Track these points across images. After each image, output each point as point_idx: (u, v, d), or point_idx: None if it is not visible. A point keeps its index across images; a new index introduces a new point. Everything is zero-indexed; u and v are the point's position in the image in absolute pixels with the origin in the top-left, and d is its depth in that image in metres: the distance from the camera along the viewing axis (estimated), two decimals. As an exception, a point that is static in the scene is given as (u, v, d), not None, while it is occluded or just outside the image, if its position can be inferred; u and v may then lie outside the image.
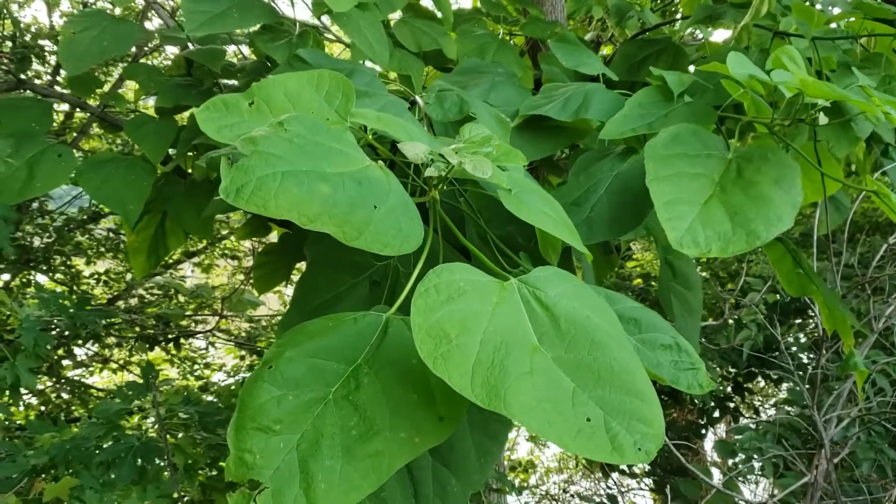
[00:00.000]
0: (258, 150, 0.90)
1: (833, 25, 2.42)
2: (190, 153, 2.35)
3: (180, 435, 3.07)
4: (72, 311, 2.98)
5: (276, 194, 0.86)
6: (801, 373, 3.98)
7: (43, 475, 2.76)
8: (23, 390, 3.17)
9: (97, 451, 2.68)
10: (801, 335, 5.37)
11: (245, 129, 1.13)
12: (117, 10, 2.17)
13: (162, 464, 2.76)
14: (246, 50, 2.68)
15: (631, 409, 0.81)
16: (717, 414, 5.72)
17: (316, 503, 0.81)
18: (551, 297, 0.92)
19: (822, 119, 1.44)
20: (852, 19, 2.33)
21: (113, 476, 2.57)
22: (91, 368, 5.54)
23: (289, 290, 6.28)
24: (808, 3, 2.32)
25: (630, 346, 0.91)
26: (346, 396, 0.89)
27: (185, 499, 2.96)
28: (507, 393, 0.79)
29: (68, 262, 5.26)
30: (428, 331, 0.83)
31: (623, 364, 0.85)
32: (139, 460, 2.63)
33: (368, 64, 2.09)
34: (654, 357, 1.16)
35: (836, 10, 2.29)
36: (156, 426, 2.94)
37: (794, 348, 5.04)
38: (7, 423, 3.84)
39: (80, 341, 4.72)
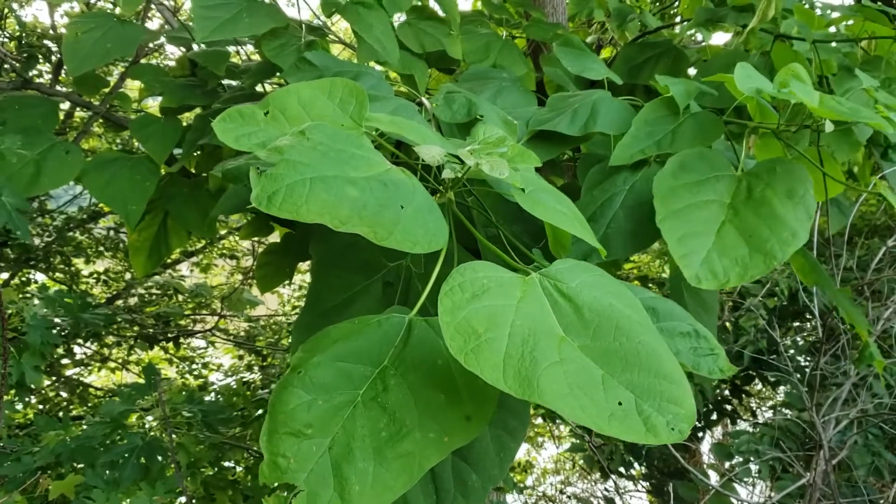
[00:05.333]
0: (285, 159, 0.92)
1: (833, 28, 2.44)
2: (195, 153, 2.35)
3: (183, 433, 3.07)
4: (76, 312, 2.98)
5: (306, 200, 0.88)
6: (799, 375, 4.00)
7: (48, 472, 2.76)
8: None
9: (102, 450, 2.68)
10: (799, 338, 5.39)
11: (262, 137, 1.16)
12: (118, 10, 2.17)
13: (166, 462, 2.76)
14: (250, 49, 2.69)
15: (661, 390, 0.83)
16: (714, 416, 5.73)
17: (351, 505, 0.83)
18: (573, 288, 0.94)
19: (829, 126, 1.45)
20: (851, 22, 2.35)
21: (118, 475, 2.58)
22: (90, 367, 5.54)
23: (287, 290, 6.29)
24: (807, 6, 2.34)
25: (655, 329, 0.92)
26: (374, 398, 0.90)
27: (187, 495, 2.97)
28: (539, 382, 0.81)
29: (68, 262, 5.26)
30: (456, 328, 0.84)
31: (649, 348, 0.87)
32: (143, 459, 2.64)
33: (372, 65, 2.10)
34: (674, 345, 1.17)
35: (836, 14, 2.31)
36: (158, 425, 2.95)
37: (792, 351, 5.06)
38: (8, 422, 3.84)
39: (80, 340, 4.72)
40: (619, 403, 0.81)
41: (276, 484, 0.85)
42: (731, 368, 1.19)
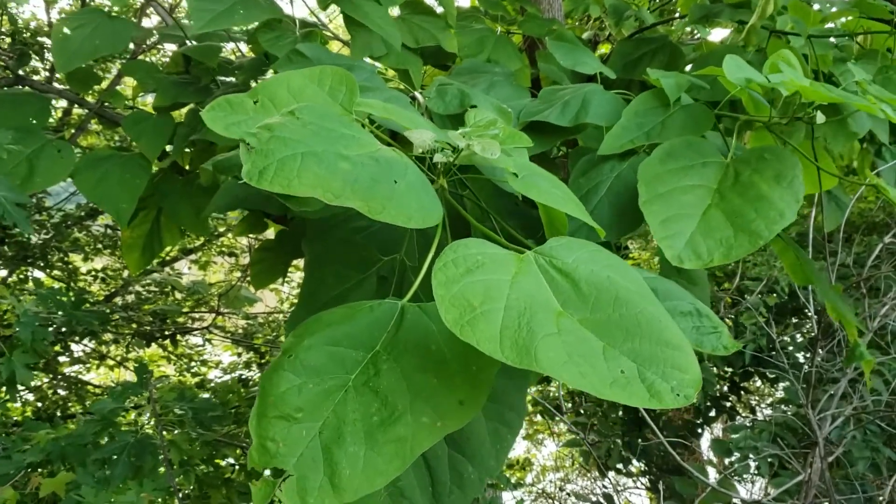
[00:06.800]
0: (275, 135, 0.91)
1: (830, 25, 2.44)
2: (187, 149, 2.35)
3: (176, 431, 3.07)
4: (69, 311, 2.97)
5: (298, 173, 0.88)
6: (796, 372, 3.99)
7: (39, 470, 2.75)
8: (19, 386, 3.17)
9: (93, 449, 2.68)
10: (798, 335, 5.39)
11: (252, 125, 1.15)
12: (115, 9, 2.18)
13: (158, 459, 2.76)
14: (244, 47, 2.68)
15: (664, 358, 0.82)
16: (713, 413, 5.74)
17: (341, 489, 0.82)
18: (569, 264, 0.93)
19: (820, 118, 1.44)
20: (849, 17, 2.34)
21: (108, 473, 2.57)
22: (88, 365, 5.54)
23: (286, 287, 6.29)
24: (804, 2, 2.33)
25: (655, 299, 0.91)
26: (366, 383, 0.90)
27: (181, 494, 2.96)
28: (537, 350, 0.79)
29: (65, 259, 5.26)
30: (451, 301, 0.83)
31: (650, 316, 0.86)
32: (133, 458, 2.63)
33: (367, 60, 2.09)
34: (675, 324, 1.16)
35: (834, 9, 2.31)
36: (151, 422, 2.94)
37: (791, 348, 5.06)
38: (3, 419, 3.84)
39: (76, 338, 4.72)
40: (622, 372, 0.80)
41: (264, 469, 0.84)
42: (736, 345, 1.18)
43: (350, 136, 0.99)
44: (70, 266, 5.33)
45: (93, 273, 5.66)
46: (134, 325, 5.37)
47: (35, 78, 3.51)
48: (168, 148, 2.27)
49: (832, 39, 2.29)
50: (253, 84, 2.21)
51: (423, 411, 0.87)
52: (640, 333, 0.84)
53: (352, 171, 0.91)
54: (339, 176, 0.90)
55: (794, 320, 5.57)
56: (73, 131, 2.87)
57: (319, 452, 0.84)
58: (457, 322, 0.81)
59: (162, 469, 2.79)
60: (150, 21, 4.34)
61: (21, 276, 5.07)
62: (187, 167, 2.43)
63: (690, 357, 0.83)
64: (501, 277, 0.88)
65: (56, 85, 3.10)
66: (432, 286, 0.85)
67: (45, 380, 5.12)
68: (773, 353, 4.48)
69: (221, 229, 5.82)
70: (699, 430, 5.93)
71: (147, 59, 3.66)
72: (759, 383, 6.22)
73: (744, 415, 5.82)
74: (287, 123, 0.94)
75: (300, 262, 3.05)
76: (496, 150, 1.04)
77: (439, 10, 2.48)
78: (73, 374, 5.38)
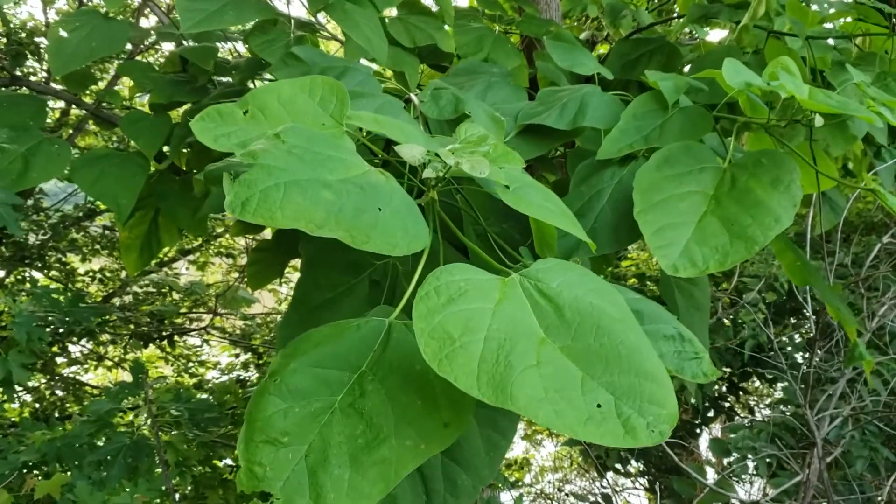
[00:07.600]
0: (259, 163, 0.90)
1: (829, 25, 2.43)
2: (184, 150, 2.34)
3: (173, 432, 3.06)
4: (65, 307, 2.96)
5: (281, 205, 0.87)
6: (794, 372, 3.99)
7: (35, 472, 2.75)
8: (17, 387, 3.16)
9: (89, 450, 2.67)
10: (797, 335, 5.39)
11: (241, 136, 1.15)
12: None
13: (154, 460, 2.75)
14: (241, 47, 2.67)
15: (642, 391, 0.81)
16: (711, 413, 5.73)
17: (327, 512, 0.82)
18: (554, 288, 0.92)
19: (819, 121, 1.44)
20: (847, 19, 2.34)
21: (105, 474, 2.57)
22: (86, 366, 5.54)
23: (283, 288, 6.28)
24: (802, 3, 2.32)
25: (638, 327, 0.90)
26: (351, 405, 0.89)
27: (178, 495, 2.96)
28: (513, 387, 0.79)
29: (63, 260, 5.26)
30: (431, 334, 0.83)
31: (631, 347, 0.85)
32: (129, 459, 2.63)
33: (363, 62, 2.08)
34: (658, 348, 1.15)
35: (832, 10, 2.30)
36: (148, 423, 2.94)
37: (790, 348, 5.05)
38: (2, 421, 3.83)
39: (74, 338, 4.71)
40: (598, 406, 0.79)
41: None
42: (716, 372, 1.18)
43: (337, 159, 0.98)
44: (68, 267, 5.32)
45: (90, 274, 5.66)
46: (131, 326, 5.37)
47: (32, 78, 3.50)
48: (165, 149, 2.26)
49: (830, 41, 2.29)
50: (250, 85, 2.20)
51: (408, 434, 0.87)
52: (620, 365, 0.83)
53: (335, 202, 0.90)
54: (321, 206, 0.89)
55: (793, 321, 5.56)
56: (70, 132, 2.86)
57: (305, 476, 0.84)
58: (435, 356, 0.81)
59: (158, 470, 2.78)
60: (148, 21, 4.33)
61: (18, 277, 5.06)
62: (184, 168, 2.42)
63: (668, 391, 0.83)
64: (484, 306, 0.88)
65: (53, 85, 3.09)
66: (413, 318, 0.85)
67: (43, 381, 5.11)
68: (772, 353, 4.48)
69: (219, 230, 5.81)
70: (697, 431, 5.92)
71: (144, 60, 3.65)
72: (757, 384, 6.21)
73: (742, 415, 5.82)
74: (271, 149, 0.94)
75: (298, 263, 3.05)
76: (485, 168, 1.03)
77: (437, 9, 2.47)
78: (70, 375, 5.38)
